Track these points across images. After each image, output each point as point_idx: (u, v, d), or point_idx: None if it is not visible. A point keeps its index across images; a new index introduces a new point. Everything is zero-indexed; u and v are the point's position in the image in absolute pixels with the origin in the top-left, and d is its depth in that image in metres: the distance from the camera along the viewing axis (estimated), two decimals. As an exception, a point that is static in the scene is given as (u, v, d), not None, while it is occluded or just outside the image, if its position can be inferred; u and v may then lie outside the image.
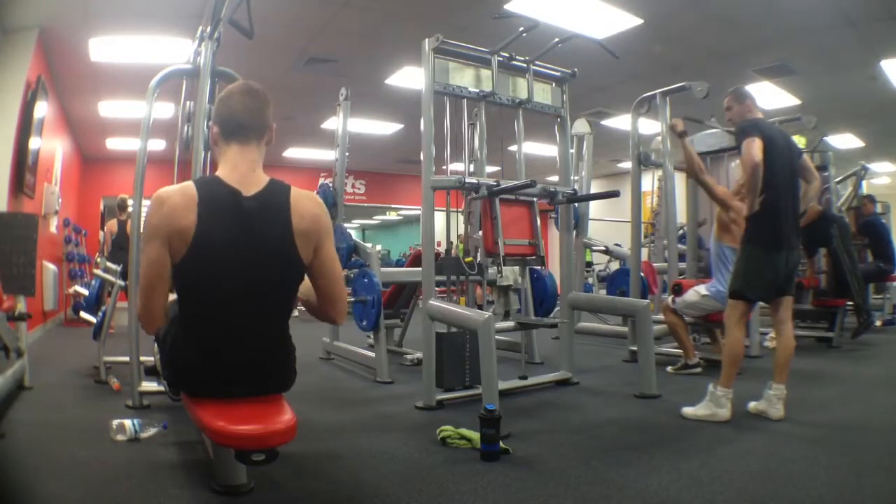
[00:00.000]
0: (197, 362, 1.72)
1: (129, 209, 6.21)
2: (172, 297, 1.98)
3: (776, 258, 2.76)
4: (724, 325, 2.93)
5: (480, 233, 3.22)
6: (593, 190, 6.20)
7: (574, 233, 4.22)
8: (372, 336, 4.21)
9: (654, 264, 5.36)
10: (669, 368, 4.00)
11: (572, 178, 4.02)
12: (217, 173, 1.76)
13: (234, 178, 1.72)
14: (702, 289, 3.86)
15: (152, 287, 1.66)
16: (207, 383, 1.73)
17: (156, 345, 2.36)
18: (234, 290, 1.69)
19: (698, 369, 3.90)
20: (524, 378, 3.43)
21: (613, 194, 3.63)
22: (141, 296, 1.69)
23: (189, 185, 1.70)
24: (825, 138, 6.82)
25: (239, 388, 1.75)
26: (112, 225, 6.73)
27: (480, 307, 3.68)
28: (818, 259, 5.35)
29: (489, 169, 4.13)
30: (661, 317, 4.10)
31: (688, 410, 2.82)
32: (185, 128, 3.14)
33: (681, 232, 5.60)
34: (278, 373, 1.83)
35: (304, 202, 1.75)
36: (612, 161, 10.68)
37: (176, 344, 1.79)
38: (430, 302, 3.14)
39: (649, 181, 7.30)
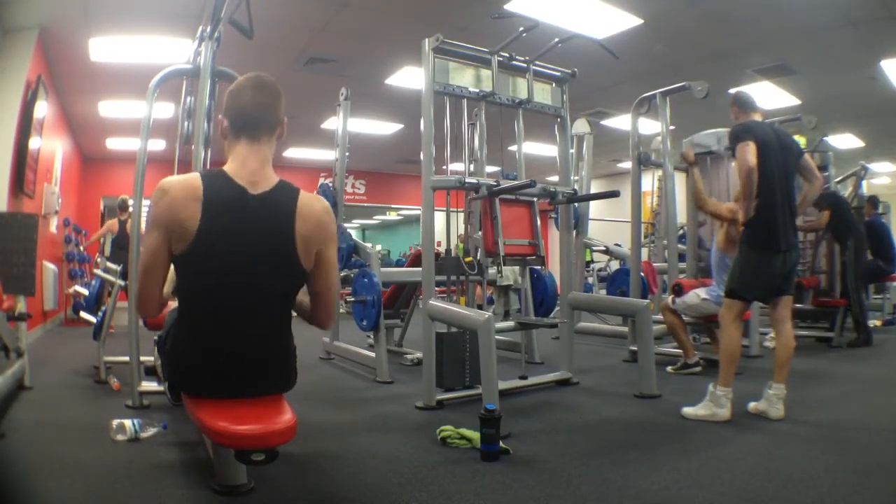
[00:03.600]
0: (198, 361, 1.72)
1: (130, 209, 6.21)
2: (173, 304, 1.98)
3: (773, 260, 2.77)
4: (720, 324, 2.93)
5: (480, 233, 3.22)
6: (593, 190, 6.20)
7: (574, 233, 4.22)
8: (372, 336, 4.20)
9: (654, 264, 5.36)
10: (669, 368, 4.00)
11: (572, 178, 4.02)
12: (225, 167, 1.71)
13: (242, 175, 1.68)
14: (702, 292, 3.87)
15: (149, 274, 1.65)
16: (208, 383, 1.73)
17: (156, 348, 2.37)
18: (235, 288, 1.68)
19: (698, 368, 3.90)
20: (524, 378, 3.43)
21: (613, 194, 3.63)
22: (138, 280, 1.68)
23: (194, 176, 1.67)
24: (825, 138, 6.81)
25: (240, 387, 1.75)
26: (112, 224, 6.74)
27: (480, 307, 3.68)
28: (818, 259, 5.36)
29: (489, 169, 4.12)
30: (661, 317, 4.11)
31: (688, 410, 2.82)
32: (186, 124, 3.15)
33: (681, 232, 5.60)
34: (279, 373, 1.83)
35: (311, 207, 1.72)
36: (612, 161, 10.68)
37: (177, 344, 1.79)
38: (430, 302, 3.14)
39: (649, 181, 7.31)
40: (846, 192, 6.63)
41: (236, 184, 1.66)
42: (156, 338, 2.31)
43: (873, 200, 6.26)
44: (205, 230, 1.59)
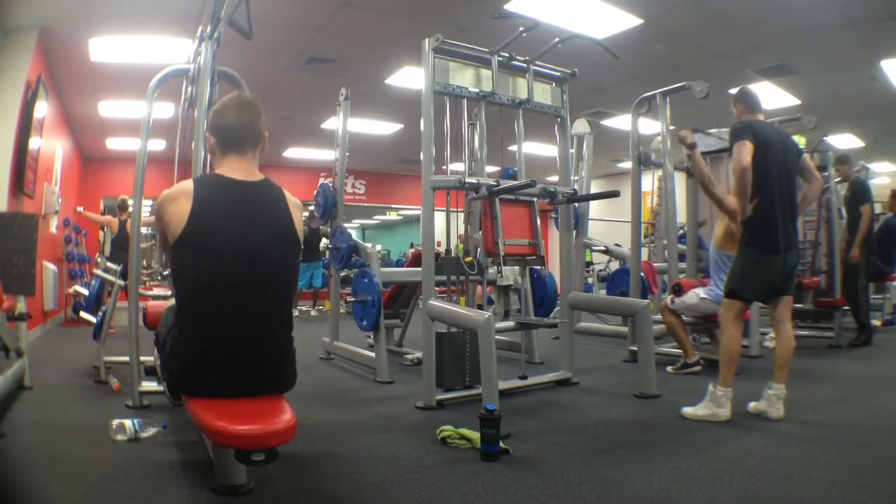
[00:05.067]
0: (197, 359, 1.74)
1: (130, 209, 6.21)
2: (170, 302, 2.01)
3: (773, 260, 2.76)
4: (720, 324, 2.93)
5: (480, 233, 3.22)
6: (593, 190, 6.20)
7: (574, 233, 4.22)
8: (372, 336, 4.20)
9: (654, 264, 5.36)
10: (669, 368, 4.00)
11: (572, 178, 4.02)
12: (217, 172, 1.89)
13: (232, 175, 1.85)
14: (701, 291, 3.87)
15: None
16: (208, 381, 1.74)
17: (156, 349, 2.37)
18: (233, 273, 1.73)
19: (698, 368, 3.90)
20: (524, 378, 3.43)
21: (613, 194, 3.63)
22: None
23: (187, 181, 1.85)
24: (825, 138, 6.81)
25: (240, 385, 1.76)
26: (112, 222, 6.74)
27: (480, 307, 3.68)
28: (818, 259, 5.35)
29: (489, 169, 4.12)
30: (660, 317, 4.10)
31: (688, 410, 2.82)
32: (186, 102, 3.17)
33: (681, 232, 5.60)
34: (279, 371, 1.85)
35: (293, 197, 1.94)
36: (612, 161, 10.68)
37: (176, 342, 1.80)
38: (430, 302, 3.14)
39: (649, 181, 7.30)
40: (844, 192, 6.60)
41: (230, 178, 1.83)
42: (155, 337, 2.31)
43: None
44: (196, 217, 1.71)
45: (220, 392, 1.74)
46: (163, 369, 2.00)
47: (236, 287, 1.73)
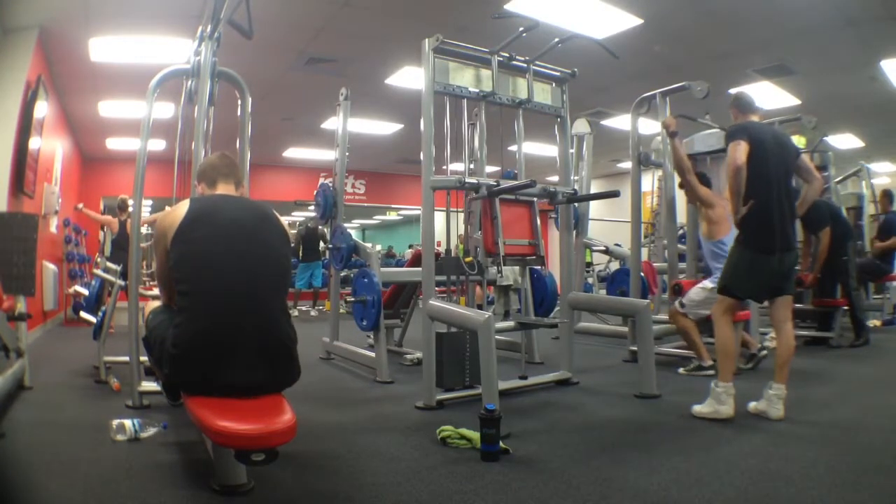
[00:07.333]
0: (195, 354, 1.77)
1: (130, 209, 6.21)
2: (154, 304, 2.21)
3: (768, 260, 2.77)
4: (713, 319, 2.94)
5: (480, 233, 3.22)
6: (593, 190, 6.20)
7: (574, 233, 4.22)
8: (372, 336, 4.20)
9: (654, 264, 5.36)
10: (681, 370, 3.96)
11: (572, 178, 4.02)
12: None
13: (221, 192, 2.12)
14: (707, 283, 3.85)
15: (166, 282, 2.09)
16: (211, 378, 1.77)
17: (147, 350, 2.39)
18: (229, 251, 1.87)
19: (713, 371, 3.83)
20: (524, 378, 3.44)
21: (613, 194, 3.62)
22: (161, 289, 2.20)
23: (185, 200, 2.09)
24: (825, 138, 6.81)
25: (243, 381, 1.78)
26: (112, 223, 6.74)
27: (480, 307, 3.68)
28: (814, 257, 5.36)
29: (489, 169, 4.12)
30: (660, 317, 4.09)
31: (696, 408, 2.82)
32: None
33: (681, 232, 5.59)
34: (281, 363, 1.89)
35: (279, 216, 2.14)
36: (612, 161, 10.68)
37: (179, 341, 1.81)
38: (430, 302, 3.14)
39: (649, 181, 7.31)
40: (845, 191, 6.61)
41: (218, 193, 2.11)
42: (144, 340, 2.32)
43: (889, 195, 6.16)
44: (193, 210, 1.93)
45: (225, 386, 1.77)
46: (158, 368, 2.02)
47: (235, 265, 1.86)
